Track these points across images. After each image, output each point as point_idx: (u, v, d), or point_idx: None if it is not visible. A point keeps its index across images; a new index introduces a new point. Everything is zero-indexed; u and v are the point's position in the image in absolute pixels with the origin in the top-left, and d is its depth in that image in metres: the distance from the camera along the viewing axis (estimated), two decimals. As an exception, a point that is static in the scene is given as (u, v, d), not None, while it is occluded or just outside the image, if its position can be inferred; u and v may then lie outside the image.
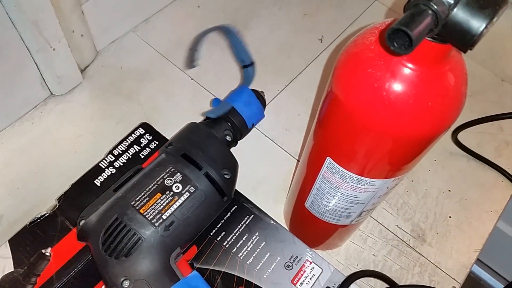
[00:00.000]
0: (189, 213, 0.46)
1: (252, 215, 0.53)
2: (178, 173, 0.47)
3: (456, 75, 0.31)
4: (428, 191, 0.65)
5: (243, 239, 0.52)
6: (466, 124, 0.64)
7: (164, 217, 0.45)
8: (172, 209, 0.45)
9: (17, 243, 0.50)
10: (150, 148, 0.58)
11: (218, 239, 0.52)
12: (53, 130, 0.66)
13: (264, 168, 0.66)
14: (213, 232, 0.52)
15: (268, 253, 0.51)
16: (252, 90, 0.58)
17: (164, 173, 0.48)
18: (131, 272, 0.43)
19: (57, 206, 0.53)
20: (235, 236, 0.52)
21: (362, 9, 0.85)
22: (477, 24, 0.24)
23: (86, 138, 0.66)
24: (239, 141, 0.57)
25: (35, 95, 0.66)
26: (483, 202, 0.65)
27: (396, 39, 0.23)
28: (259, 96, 0.58)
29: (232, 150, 0.53)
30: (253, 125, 0.57)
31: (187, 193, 0.47)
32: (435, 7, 0.23)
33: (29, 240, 0.50)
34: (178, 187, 0.47)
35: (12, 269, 0.48)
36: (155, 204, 0.45)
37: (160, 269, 0.44)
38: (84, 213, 0.47)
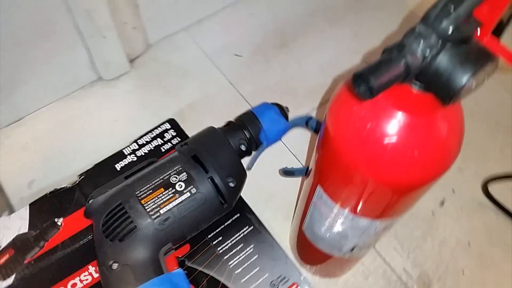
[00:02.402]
0: (186, 213, 0.48)
1: (252, 227, 0.54)
2: (185, 173, 0.49)
3: (448, 125, 0.30)
4: (446, 239, 0.62)
5: (238, 248, 0.53)
6: (501, 176, 0.60)
7: (162, 211, 0.47)
8: (171, 205, 0.47)
9: (35, 208, 0.55)
10: (171, 143, 0.61)
11: (213, 243, 0.53)
12: (94, 110, 0.71)
13: (281, 183, 0.66)
14: (210, 235, 0.53)
15: (258, 268, 0.51)
16: (277, 105, 0.59)
17: (172, 170, 0.50)
18: (121, 257, 0.45)
19: (77, 182, 0.57)
20: (230, 244, 0.53)
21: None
22: (459, 77, 0.24)
23: (122, 123, 0.70)
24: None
25: (84, 76, 0.71)
26: (504, 263, 0.60)
27: (361, 83, 0.23)
28: (283, 111, 0.58)
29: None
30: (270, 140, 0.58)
31: (188, 193, 0.48)
32: (407, 57, 0.23)
33: (46, 208, 0.55)
34: (182, 186, 0.49)
35: (27, 231, 0.53)
36: (156, 198, 0.48)
37: (147, 259, 0.46)
38: (94, 193, 0.50)
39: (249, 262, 0.52)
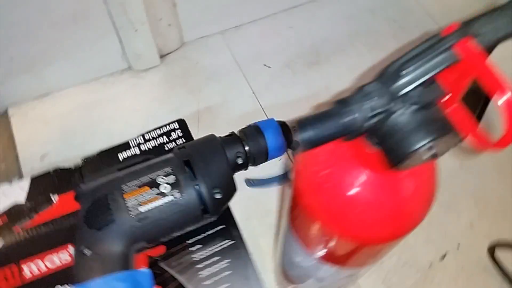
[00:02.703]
0: (165, 216, 0.48)
1: (233, 241, 0.54)
2: (173, 176, 0.50)
3: (415, 183, 0.28)
4: (440, 296, 0.58)
5: (214, 259, 0.52)
6: (509, 244, 0.55)
7: (141, 210, 0.48)
8: (151, 205, 0.48)
9: (36, 182, 0.58)
10: (176, 143, 0.61)
11: (192, 249, 0.53)
12: (118, 97, 0.73)
13: (278, 201, 0.65)
14: (191, 241, 0.54)
15: (229, 284, 0.51)
16: (285, 124, 0.58)
17: (162, 171, 0.50)
18: (94, 245, 0.46)
19: (80, 165, 0.59)
20: (208, 254, 0.53)
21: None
22: (411, 142, 0.22)
23: (141, 114, 0.72)
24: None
25: (115, 63, 0.74)
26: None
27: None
28: (286, 130, 0.57)
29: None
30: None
31: (171, 196, 0.49)
32: (353, 113, 0.21)
33: (46, 184, 0.57)
34: (166, 188, 0.49)
35: (23, 202, 0.56)
36: (139, 195, 0.48)
37: (118, 253, 0.47)
38: (87, 179, 0.52)
39: (221, 276, 0.51)
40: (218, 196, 0.50)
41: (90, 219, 0.47)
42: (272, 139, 0.56)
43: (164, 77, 0.76)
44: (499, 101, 0.20)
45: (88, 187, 0.51)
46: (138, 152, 0.61)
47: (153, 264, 0.51)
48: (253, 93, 0.75)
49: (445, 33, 0.22)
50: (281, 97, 0.75)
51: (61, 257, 0.52)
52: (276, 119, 0.57)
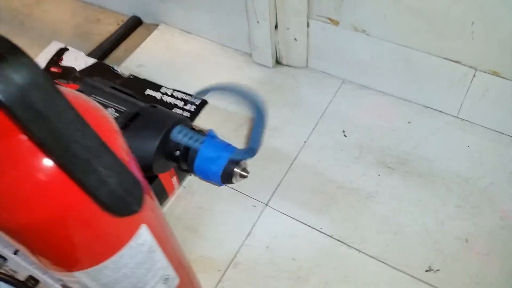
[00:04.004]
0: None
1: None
2: (119, 115, 0.54)
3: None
4: None
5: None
6: None
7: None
8: None
9: (94, 67, 0.71)
10: (184, 112, 0.64)
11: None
12: (220, 66, 0.79)
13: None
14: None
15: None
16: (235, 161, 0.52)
17: (117, 105, 0.55)
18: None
19: (122, 76, 0.69)
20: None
21: None
22: None
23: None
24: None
25: (242, 44, 0.79)
26: None
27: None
28: (230, 167, 0.51)
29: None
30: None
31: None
32: None
33: (95, 71, 0.70)
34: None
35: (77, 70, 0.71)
36: None
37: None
38: (96, 80, 0.61)
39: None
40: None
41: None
42: (204, 156, 0.52)
43: (263, 79, 0.77)
44: None
45: (87, 83, 0.60)
46: (158, 96, 0.66)
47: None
48: (305, 142, 0.68)
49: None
50: (323, 162, 0.65)
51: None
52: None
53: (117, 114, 0.54)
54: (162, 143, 0.53)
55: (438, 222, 0.59)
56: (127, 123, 0.53)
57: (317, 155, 0.67)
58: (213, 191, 0.63)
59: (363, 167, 0.65)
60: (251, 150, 0.51)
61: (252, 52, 0.79)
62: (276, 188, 0.64)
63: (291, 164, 0.66)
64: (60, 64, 0.71)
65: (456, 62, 0.62)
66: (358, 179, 0.64)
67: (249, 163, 0.66)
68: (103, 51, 0.84)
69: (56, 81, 0.69)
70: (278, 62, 0.79)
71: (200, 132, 0.55)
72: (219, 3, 0.75)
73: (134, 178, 0.26)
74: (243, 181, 0.64)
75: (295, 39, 0.73)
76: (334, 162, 0.66)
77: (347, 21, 0.67)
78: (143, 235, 0.34)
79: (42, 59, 0.71)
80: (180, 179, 0.62)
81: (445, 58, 0.63)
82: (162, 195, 0.59)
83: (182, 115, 0.64)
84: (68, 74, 0.71)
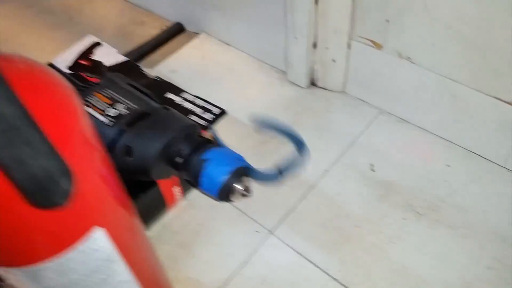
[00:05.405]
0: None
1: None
2: (127, 112, 0.51)
3: None
4: None
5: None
6: None
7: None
8: (91, 110, 0.52)
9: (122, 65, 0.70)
10: (202, 119, 0.61)
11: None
12: (252, 81, 0.76)
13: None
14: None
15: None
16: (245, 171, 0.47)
17: (129, 103, 0.52)
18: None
19: (149, 78, 0.68)
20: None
21: None
22: None
23: (243, 103, 0.72)
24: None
25: (277, 60, 0.75)
26: None
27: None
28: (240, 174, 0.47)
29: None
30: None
31: (104, 118, 0.51)
32: None
33: (120, 66, 0.69)
34: (112, 113, 0.51)
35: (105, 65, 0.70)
36: (98, 100, 0.53)
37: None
38: (116, 74, 0.60)
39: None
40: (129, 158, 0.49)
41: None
42: (214, 168, 0.48)
43: (294, 99, 0.73)
44: None
45: (106, 76, 0.59)
46: (178, 101, 0.64)
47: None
48: (326, 170, 0.62)
49: None
50: (334, 198, 0.59)
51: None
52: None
53: (126, 111, 0.51)
54: (165, 147, 0.49)
55: (464, 282, 0.50)
56: (134, 121, 0.50)
57: (338, 186, 0.61)
58: (217, 208, 0.59)
59: (388, 207, 0.58)
60: (276, 174, 0.46)
61: (287, 70, 0.75)
62: (286, 216, 0.58)
63: (307, 192, 0.60)
64: (90, 57, 0.71)
65: (509, 103, 0.54)
66: (379, 220, 0.57)
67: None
68: (141, 53, 0.84)
69: (81, 73, 0.69)
70: (313, 83, 0.74)
71: (207, 141, 0.51)
72: (259, 15, 0.72)
73: (63, 165, 0.23)
74: (250, 202, 0.59)
75: (334, 60, 0.68)
76: (356, 197, 0.59)
77: (391, 45, 0.61)
78: (99, 241, 0.30)
79: (74, 51, 0.72)
80: (185, 191, 0.58)
81: (497, 98, 0.55)
82: (159, 205, 0.55)
83: (196, 122, 0.61)
84: (96, 68, 0.70)
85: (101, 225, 0.30)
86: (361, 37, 0.64)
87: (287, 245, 0.55)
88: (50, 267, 0.28)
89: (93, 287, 0.32)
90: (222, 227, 0.57)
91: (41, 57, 0.76)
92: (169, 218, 0.59)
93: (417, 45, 0.59)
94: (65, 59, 0.71)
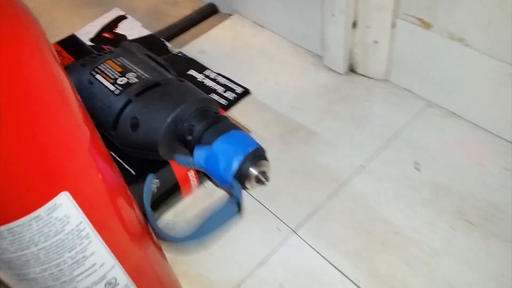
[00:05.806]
0: (99, 91, 0.46)
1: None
2: (137, 80, 0.46)
3: None
4: None
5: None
6: None
7: (94, 73, 0.48)
8: (100, 77, 0.47)
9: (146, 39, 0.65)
10: (223, 98, 0.55)
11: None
12: (285, 64, 0.69)
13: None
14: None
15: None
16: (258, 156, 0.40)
17: (142, 72, 0.47)
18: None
19: (170, 52, 0.62)
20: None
21: None
22: None
23: (274, 87, 0.66)
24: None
25: (313, 44, 0.68)
26: None
27: None
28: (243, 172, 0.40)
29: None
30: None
31: (113, 86, 0.46)
32: None
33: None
34: (121, 81, 0.47)
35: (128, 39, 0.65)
36: (109, 68, 0.48)
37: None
38: (124, 43, 0.54)
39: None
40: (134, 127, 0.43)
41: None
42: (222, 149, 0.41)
43: (330, 86, 0.65)
44: None
45: (123, 45, 0.54)
46: (200, 78, 0.58)
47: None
48: (363, 166, 0.54)
49: None
50: (369, 198, 0.51)
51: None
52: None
53: (136, 80, 0.46)
54: (175, 121, 0.43)
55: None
56: (143, 91, 0.45)
57: (375, 185, 0.53)
58: (235, 200, 0.52)
59: (434, 213, 0.49)
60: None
61: (323, 54, 0.67)
62: (312, 214, 0.51)
63: (339, 189, 0.53)
64: (114, 31, 0.67)
65: None
66: (423, 227, 0.49)
67: (285, 177, 0.55)
68: (171, 32, 0.79)
69: (103, 46, 0.64)
70: (352, 70, 0.66)
71: (224, 119, 0.44)
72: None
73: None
74: (272, 196, 0.53)
75: (376, 41, 0.60)
76: (396, 198, 0.51)
77: (441, 24, 0.53)
78: (65, 209, 0.24)
79: (98, 23, 0.67)
80: (200, 177, 0.52)
81: None
82: (171, 188, 0.49)
83: (216, 100, 0.55)
84: (119, 41, 0.66)
85: (69, 189, 0.24)
86: (407, 14, 0.55)
87: (311, 246, 0.48)
88: (2, 233, 0.23)
89: (63, 269, 0.26)
90: (239, 221, 0.51)
91: (70, 32, 0.72)
92: (183, 206, 0.53)
93: (470, 23, 0.50)
94: (88, 31, 0.67)
